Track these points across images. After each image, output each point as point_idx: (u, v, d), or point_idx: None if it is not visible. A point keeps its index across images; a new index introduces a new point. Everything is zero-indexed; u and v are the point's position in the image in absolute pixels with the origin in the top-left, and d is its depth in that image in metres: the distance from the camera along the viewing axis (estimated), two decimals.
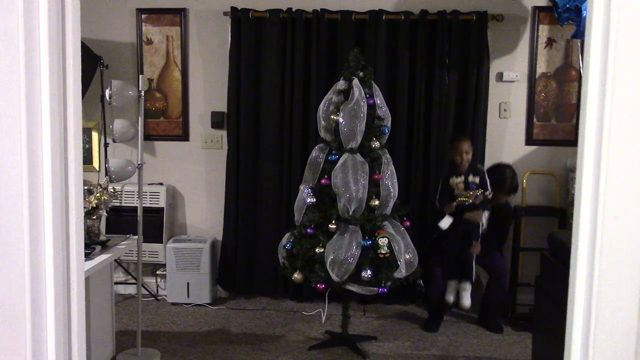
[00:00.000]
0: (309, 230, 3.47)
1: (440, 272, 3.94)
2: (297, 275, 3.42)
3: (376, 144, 3.47)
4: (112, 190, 3.16)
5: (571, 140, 4.34)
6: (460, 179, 3.77)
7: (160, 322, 4.06)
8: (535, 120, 4.38)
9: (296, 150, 4.32)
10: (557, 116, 4.38)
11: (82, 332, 1.46)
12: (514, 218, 4.20)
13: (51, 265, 1.35)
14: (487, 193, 3.78)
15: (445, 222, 3.76)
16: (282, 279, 4.37)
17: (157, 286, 4.59)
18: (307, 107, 4.28)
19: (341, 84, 3.52)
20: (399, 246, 3.37)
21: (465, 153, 3.77)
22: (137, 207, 3.34)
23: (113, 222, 4.24)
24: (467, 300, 3.83)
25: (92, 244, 3.07)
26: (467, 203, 3.66)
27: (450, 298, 3.88)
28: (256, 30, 4.31)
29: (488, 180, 3.83)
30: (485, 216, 3.82)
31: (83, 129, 3.62)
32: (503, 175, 3.99)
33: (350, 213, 3.38)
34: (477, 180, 3.77)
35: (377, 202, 3.42)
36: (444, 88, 4.23)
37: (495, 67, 4.31)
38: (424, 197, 4.31)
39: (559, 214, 4.25)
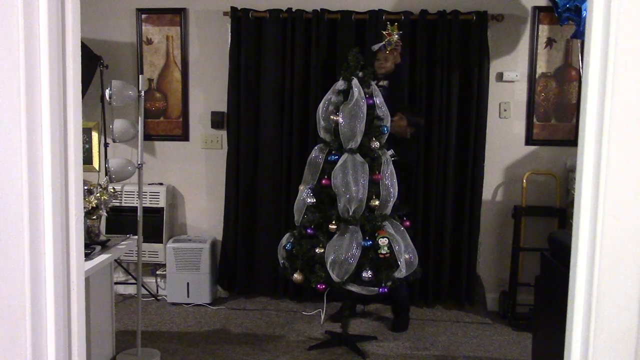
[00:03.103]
0: (309, 231, 3.47)
1: None
2: (297, 276, 3.41)
3: (376, 144, 3.47)
4: (112, 190, 3.16)
5: (571, 140, 4.34)
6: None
7: (160, 322, 4.06)
8: (535, 120, 4.38)
9: (296, 151, 4.31)
10: (557, 116, 4.38)
11: (82, 332, 1.46)
12: (417, 162, 4.13)
13: (51, 265, 1.35)
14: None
15: None
16: (282, 279, 4.37)
17: (157, 286, 4.59)
18: (306, 107, 4.28)
19: (340, 84, 3.52)
20: (399, 246, 3.37)
21: (384, 60, 3.87)
22: (137, 207, 3.34)
23: (113, 222, 4.24)
24: None
25: (92, 244, 3.07)
26: (383, 41, 3.79)
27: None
28: (256, 30, 4.31)
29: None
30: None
31: (83, 129, 3.62)
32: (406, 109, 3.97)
33: (351, 213, 3.38)
34: (385, 83, 3.86)
35: (377, 202, 3.42)
36: (444, 88, 4.22)
37: (495, 67, 4.30)
38: (424, 197, 4.30)
39: (559, 214, 4.25)
